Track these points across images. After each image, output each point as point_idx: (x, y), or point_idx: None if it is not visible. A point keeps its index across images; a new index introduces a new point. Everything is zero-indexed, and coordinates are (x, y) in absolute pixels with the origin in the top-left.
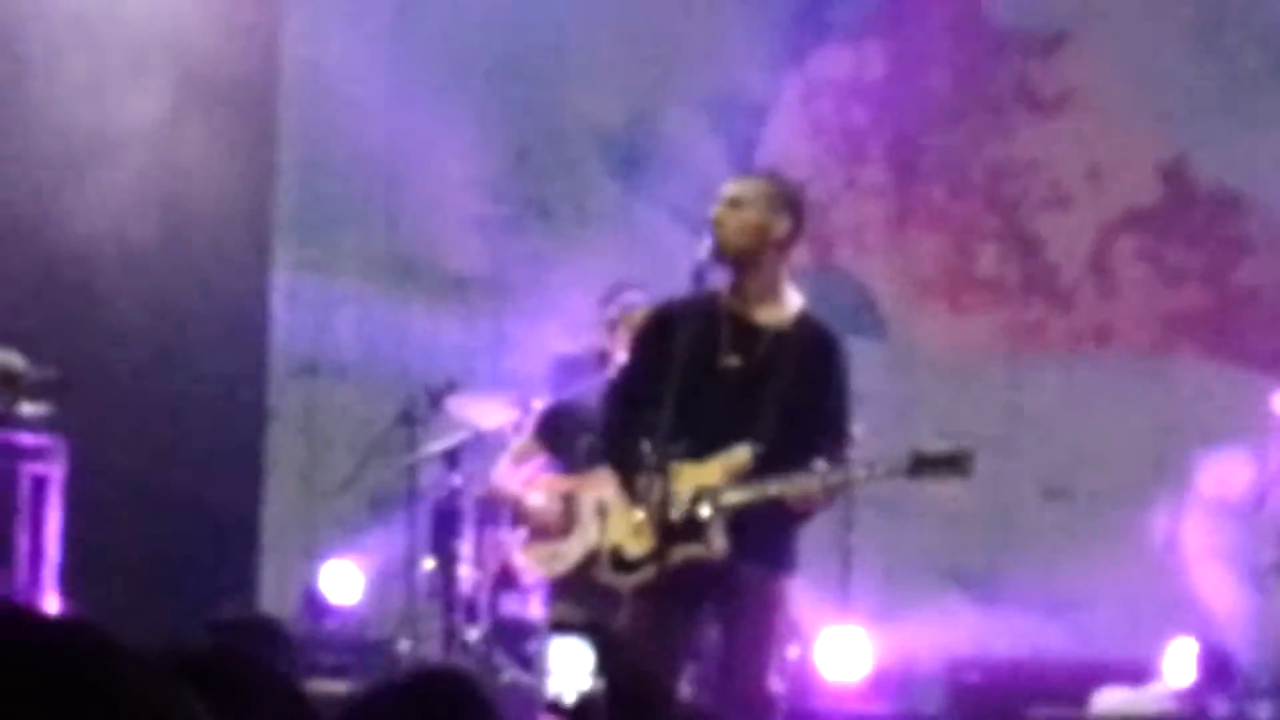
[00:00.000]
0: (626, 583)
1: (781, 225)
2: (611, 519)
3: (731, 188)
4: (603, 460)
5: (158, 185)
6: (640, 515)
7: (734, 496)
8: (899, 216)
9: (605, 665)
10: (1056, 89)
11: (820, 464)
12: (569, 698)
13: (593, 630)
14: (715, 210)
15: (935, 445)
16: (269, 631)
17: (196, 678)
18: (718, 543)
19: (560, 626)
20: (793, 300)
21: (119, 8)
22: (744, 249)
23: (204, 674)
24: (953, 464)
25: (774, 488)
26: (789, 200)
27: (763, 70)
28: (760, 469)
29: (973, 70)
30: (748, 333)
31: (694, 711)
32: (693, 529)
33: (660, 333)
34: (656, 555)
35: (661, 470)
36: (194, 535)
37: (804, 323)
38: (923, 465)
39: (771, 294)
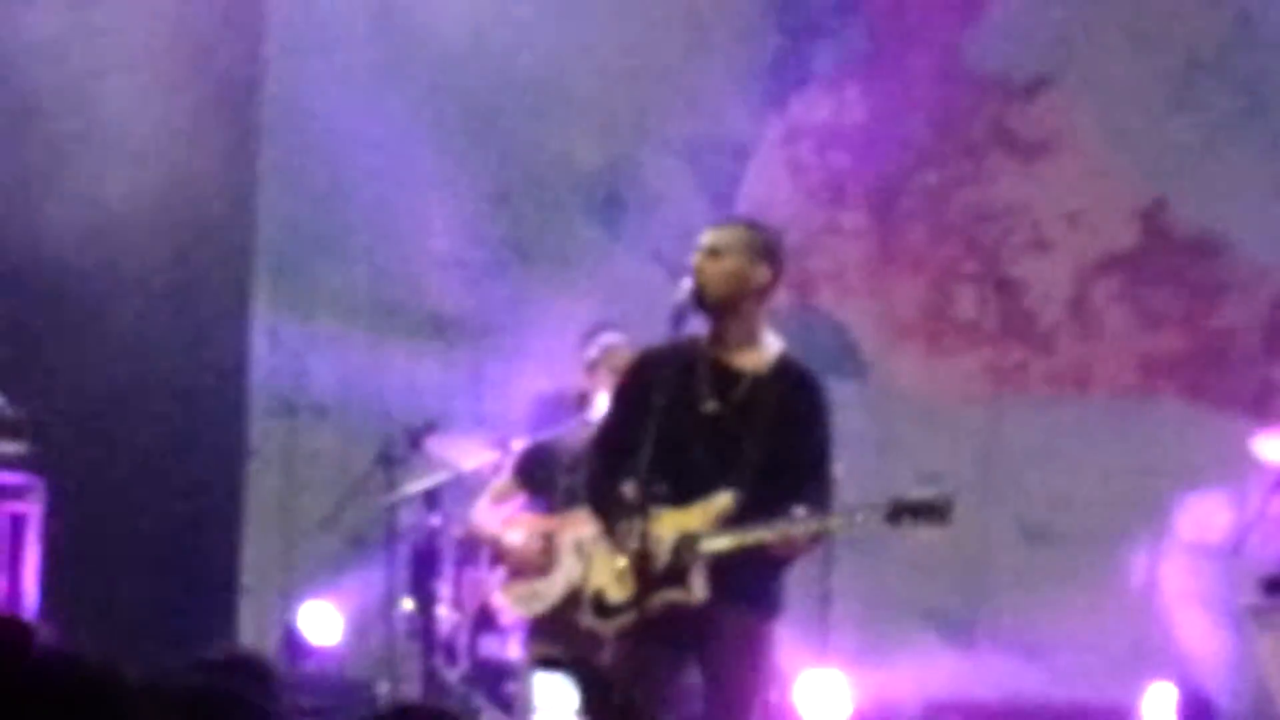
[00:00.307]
0: (608, 628)
1: (761, 273)
2: (594, 564)
3: (710, 236)
4: (583, 502)
5: (138, 225)
6: (622, 562)
7: (715, 543)
8: (879, 259)
9: (591, 704)
10: (1036, 134)
11: (800, 510)
12: None
13: (578, 668)
14: (694, 258)
15: (914, 492)
16: (256, 671)
17: (186, 714)
18: (698, 588)
19: (544, 662)
20: (772, 345)
21: (100, 49)
22: (723, 297)
23: (193, 711)
24: (932, 511)
25: (755, 534)
26: (768, 248)
27: (743, 114)
28: (741, 515)
29: (953, 115)
30: (727, 378)
31: None
32: (674, 574)
33: (640, 380)
34: (637, 601)
35: (643, 515)
36: (172, 575)
37: (783, 367)
38: (901, 512)
39: (751, 340)
